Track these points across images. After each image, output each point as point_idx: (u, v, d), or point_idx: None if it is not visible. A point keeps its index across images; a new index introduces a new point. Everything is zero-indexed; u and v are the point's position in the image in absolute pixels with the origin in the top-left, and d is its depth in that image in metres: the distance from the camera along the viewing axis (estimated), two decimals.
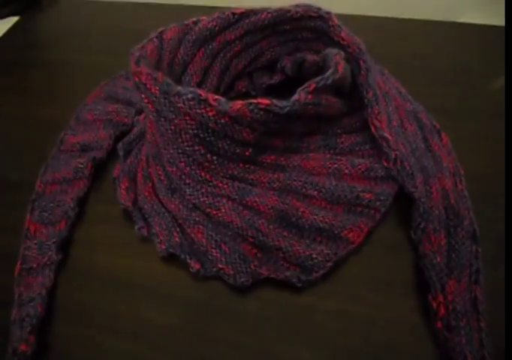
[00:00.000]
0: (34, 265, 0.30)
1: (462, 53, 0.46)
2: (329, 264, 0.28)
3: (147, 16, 0.56)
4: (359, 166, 0.32)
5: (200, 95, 0.26)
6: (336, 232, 0.29)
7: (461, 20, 0.51)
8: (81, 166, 0.35)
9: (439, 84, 0.42)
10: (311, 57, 0.35)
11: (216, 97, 0.27)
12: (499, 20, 0.49)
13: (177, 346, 0.26)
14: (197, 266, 0.29)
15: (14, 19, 0.59)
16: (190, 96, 0.27)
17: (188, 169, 0.31)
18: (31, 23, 0.58)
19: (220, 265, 0.28)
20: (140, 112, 0.38)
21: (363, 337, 0.26)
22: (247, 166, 0.31)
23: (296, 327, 0.27)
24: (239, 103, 0.27)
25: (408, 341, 0.26)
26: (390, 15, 0.51)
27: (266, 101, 0.27)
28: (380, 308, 0.27)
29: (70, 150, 0.37)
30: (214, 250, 0.29)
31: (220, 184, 0.31)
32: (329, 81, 0.29)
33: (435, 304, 0.26)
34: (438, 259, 0.27)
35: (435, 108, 0.38)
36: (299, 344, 0.26)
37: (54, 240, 0.31)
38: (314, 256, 0.28)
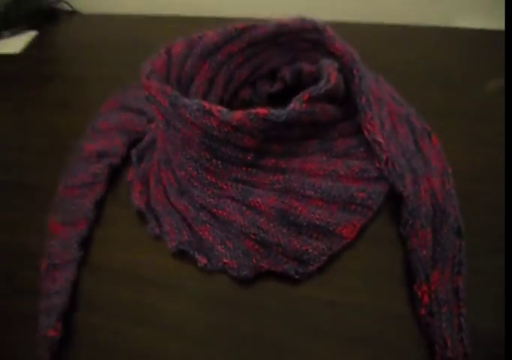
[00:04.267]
0: (59, 262, 0.33)
1: (455, 57, 0.48)
2: (324, 258, 0.30)
3: (157, 29, 0.59)
4: (354, 168, 0.35)
5: (205, 107, 0.29)
6: (331, 228, 0.31)
7: (453, 25, 0.53)
8: (99, 171, 0.38)
9: (432, 88, 0.44)
10: (307, 67, 0.38)
11: (219, 108, 0.30)
12: (491, 24, 0.51)
13: (188, 332, 0.29)
14: (204, 261, 0.31)
15: (32, 33, 0.63)
16: (195, 107, 0.29)
17: (195, 173, 0.33)
18: (49, 37, 0.61)
19: (225, 260, 0.31)
20: (151, 120, 0.42)
21: (355, 324, 0.28)
22: (249, 169, 0.33)
23: (294, 315, 0.29)
24: (239, 113, 0.29)
25: (396, 326, 0.28)
26: (384, 21, 0.54)
27: (264, 111, 0.30)
28: (372, 297, 0.29)
29: (88, 157, 0.40)
30: (219, 246, 0.32)
31: (225, 187, 0.33)
32: (322, 90, 0.32)
33: (419, 293, 0.28)
34: (424, 252, 0.30)
35: (428, 111, 0.40)
36: (298, 331, 0.29)
37: (76, 239, 0.34)
38: (310, 250, 0.30)
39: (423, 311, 0.28)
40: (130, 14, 0.64)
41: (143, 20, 0.62)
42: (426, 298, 0.28)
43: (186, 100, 0.30)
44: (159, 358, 0.28)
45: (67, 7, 0.68)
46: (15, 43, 0.60)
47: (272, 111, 0.30)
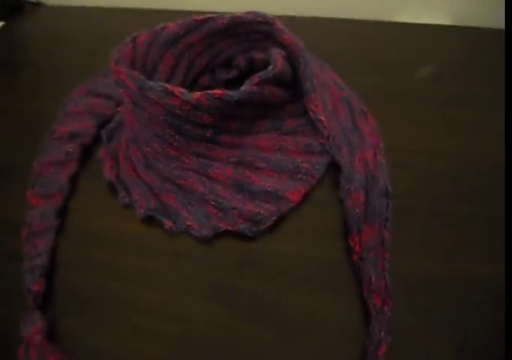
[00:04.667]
0: (37, 229, 0.37)
1: (392, 49, 0.54)
2: (274, 218, 0.35)
3: (122, 20, 0.62)
4: (300, 143, 0.40)
5: (167, 88, 0.34)
6: (280, 193, 0.36)
7: (394, 20, 0.59)
8: (71, 150, 0.42)
9: (371, 75, 0.50)
10: (259, 56, 0.43)
11: (180, 89, 0.34)
12: (427, 19, 0.58)
13: (156, 283, 0.34)
14: (170, 224, 0.36)
15: None
16: (160, 89, 0.34)
17: (160, 148, 0.38)
18: (16, 28, 0.63)
19: (188, 223, 0.36)
20: (118, 104, 0.45)
21: (301, 270, 0.34)
22: (208, 144, 0.38)
23: (249, 265, 0.34)
24: (198, 93, 0.34)
25: (334, 271, 0.34)
26: (329, 15, 0.59)
27: (219, 91, 0.34)
28: (314, 249, 0.35)
29: (60, 137, 0.44)
30: (183, 211, 0.36)
31: (187, 160, 0.38)
32: (270, 75, 0.36)
33: (352, 243, 0.34)
34: (357, 210, 0.35)
35: (367, 95, 0.45)
36: (252, 278, 0.34)
37: (53, 209, 0.38)
38: (262, 212, 0.35)
39: (355, 257, 0.33)
40: (90, 6, 0.67)
41: (109, 12, 0.65)
42: (357, 247, 0.33)
43: (151, 83, 0.34)
44: (132, 305, 0.33)
45: None
46: None
47: (227, 92, 0.34)
